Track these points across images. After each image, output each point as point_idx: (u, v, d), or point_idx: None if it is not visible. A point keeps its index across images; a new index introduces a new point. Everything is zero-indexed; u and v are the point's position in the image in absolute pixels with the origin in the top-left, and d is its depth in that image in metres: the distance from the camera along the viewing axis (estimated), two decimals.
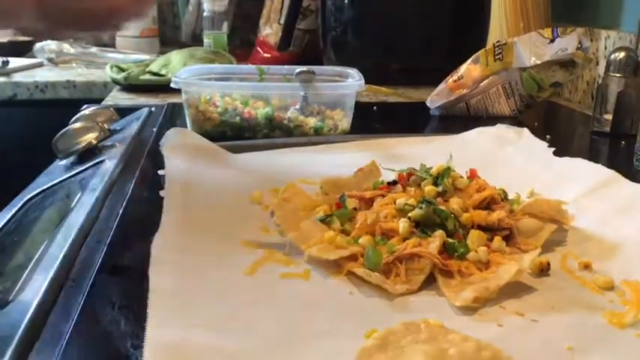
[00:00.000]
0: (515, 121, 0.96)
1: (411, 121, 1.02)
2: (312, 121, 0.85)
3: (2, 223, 0.64)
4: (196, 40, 1.72)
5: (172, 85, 0.84)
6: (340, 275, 0.46)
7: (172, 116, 0.97)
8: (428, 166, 0.58)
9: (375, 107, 1.10)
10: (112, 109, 0.95)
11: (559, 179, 0.65)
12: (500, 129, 0.82)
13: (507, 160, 0.74)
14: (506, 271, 0.44)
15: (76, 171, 0.75)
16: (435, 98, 1.02)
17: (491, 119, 0.95)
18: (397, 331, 0.36)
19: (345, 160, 0.72)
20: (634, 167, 0.74)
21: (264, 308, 0.41)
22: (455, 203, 0.52)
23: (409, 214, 0.50)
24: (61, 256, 0.49)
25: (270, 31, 1.55)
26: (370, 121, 1.00)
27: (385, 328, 0.36)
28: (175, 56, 1.32)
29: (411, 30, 1.29)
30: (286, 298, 0.42)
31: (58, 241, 0.53)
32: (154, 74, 1.25)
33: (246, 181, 0.65)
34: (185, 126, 0.85)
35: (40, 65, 1.51)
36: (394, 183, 0.57)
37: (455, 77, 1.00)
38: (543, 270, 0.47)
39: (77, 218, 0.57)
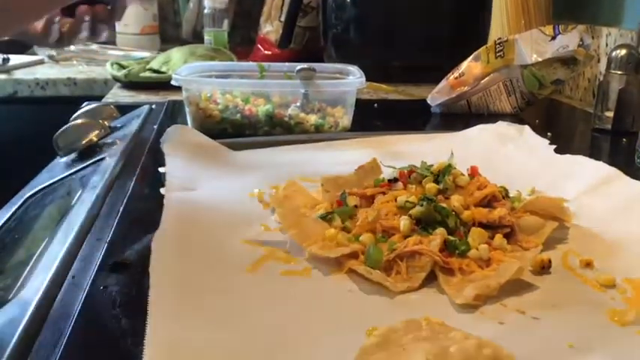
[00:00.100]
0: (517, 118, 0.96)
1: (412, 118, 1.02)
2: (312, 119, 0.85)
3: (3, 221, 0.64)
4: (197, 38, 1.72)
5: (173, 82, 0.84)
6: (341, 273, 0.45)
7: (173, 114, 0.97)
8: (429, 163, 0.58)
9: (375, 105, 1.10)
10: (112, 106, 0.95)
11: (560, 177, 0.65)
12: (502, 126, 0.81)
13: (508, 157, 0.73)
14: (507, 269, 0.44)
15: (77, 168, 0.75)
16: (436, 96, 1.01)
17: (492, 117, 0.94)
18: (398, 329, 0.36)
19: (346, 157, 0.71)
20: (635, 164, 0.74)
21: (265, 306, 0.41)
22: (456, 201, 0.52)
23: (410, 212, 0.50)
24: (62, 253, 0.49)
25: (270, 28, 1.55)
26: (371, 118, 1.00)
27: (386, 326, 0.36)
28: (176, 53, 1.32)
29: (412, 27, 1.29)
30: (287, 295, 0.42)
31: (59, 238, 0.53)
32: (155, 71, 1.25)
33: (246, 178, 0.65)
34: (186, 123, 0.85)
35: (40, 62, 1.51)
36: (395, 180, 0.57)
37: (456, 74, 1.00)
38: (544, 267, 0.46)
39: (78, 215, 0.57)
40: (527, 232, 0.51)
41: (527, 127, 0.80)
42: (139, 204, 0.60)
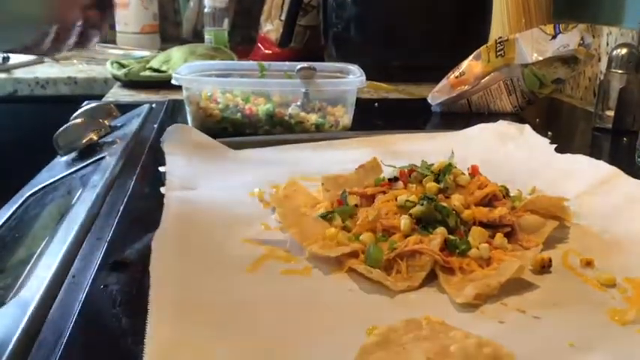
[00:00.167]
0: (517, 117, 0.96)
1: (413, 117, 1.02)
2: (313, 118, 0.85)
3: (3, 220, 0.64)
4: (197, 37, 1.72)
5: (173, 81, 0.84)
6: (341, 272, 0.45)
7: (173, 113, 0.97)
8: (429, 162, 0.58)
9: (376, 104, 1.10)
10: (112, 105, 0.95)
11: (561, 176, 0.65)
12: (502, 125, 0.81)
13: (509, 156, 0.73)
14: (507, 268, 0.44)
15: (77, 167, 0.75)
16: (437, 95, 1.01)
17: (492, 116, 0.94)
18: (398, 328, 0.36)
19: (347, 156, 0.71)
20: (636, 164, 0.74)
21: (265, 305, 0.41)
22: (456, 200, 0.51)
23: (410, 211, 0.50)
24: (62, 252, 0.49)
25: (271, 27, 1.55)
26: (371, 117, 1.00)
27: (386, 325, 0.36)
28: (176, 52, 1.32)
29: (413, 26, 1.28)
30: (287, 295, 0.42)
31: (59, 237, 0.53)
32: (155, 70, 1.25)
33: (247, 177, 0.65)
34: (186, 122, 0.85)
35: (40, 61, 1.51)
36: (395, 180, 0.57)
37: (456, 73, 1.00)
38: (545, 267, 0.46)
39: (78, 215, 0.57)
40: (528, 232, 0.51)
41: (527, 127, 0.80)
42: (139, 203, 0.60)
